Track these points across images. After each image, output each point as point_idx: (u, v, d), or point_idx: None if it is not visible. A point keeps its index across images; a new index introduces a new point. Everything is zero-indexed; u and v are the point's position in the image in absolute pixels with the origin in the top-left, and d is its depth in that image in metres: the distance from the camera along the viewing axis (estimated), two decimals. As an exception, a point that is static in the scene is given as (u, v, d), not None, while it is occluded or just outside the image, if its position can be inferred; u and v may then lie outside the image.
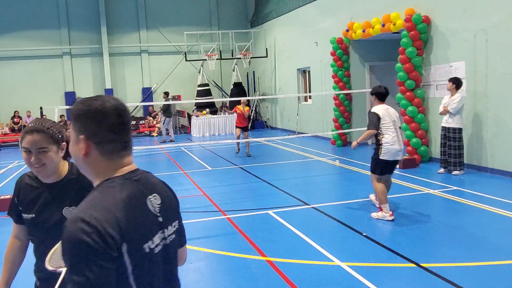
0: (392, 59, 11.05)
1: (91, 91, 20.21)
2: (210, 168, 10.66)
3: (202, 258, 4.98)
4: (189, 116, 19.77)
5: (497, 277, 4.17)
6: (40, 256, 2.20)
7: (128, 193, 1.39)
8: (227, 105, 19.99)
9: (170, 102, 15.18)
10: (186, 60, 19.46)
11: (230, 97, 19.63)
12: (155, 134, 19.32)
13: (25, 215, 2.21)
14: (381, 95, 6.25)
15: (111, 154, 1.43)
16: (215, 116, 19.01)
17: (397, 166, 6.51)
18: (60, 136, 2.15)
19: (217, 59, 19.45)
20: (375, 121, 6.05)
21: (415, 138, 9.84)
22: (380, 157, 6.04)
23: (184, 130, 20.45)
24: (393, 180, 8.33)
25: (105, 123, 1.40)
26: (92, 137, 1.40)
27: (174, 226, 1.55)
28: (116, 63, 20.54)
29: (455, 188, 7.48)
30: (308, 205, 6.89)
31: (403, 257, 4.67)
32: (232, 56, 19.81)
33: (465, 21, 8.76)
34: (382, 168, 6.11)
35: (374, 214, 6.09)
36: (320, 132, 14.55)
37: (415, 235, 5.40)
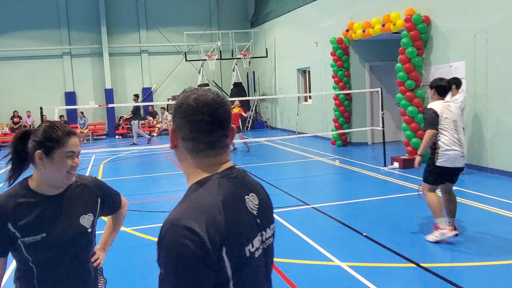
0: (392, 59, 11.05)
1: (91, 91, 20.23)
2: (210, 168, 10.65)
3: (202, 258, 4.97)
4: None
5: (497, 277, 4.17)
6: (54, 283, 1.94)
7: (227, 192, 1.30)
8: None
9: (140, 104, 15.19)
10: (186, 60, 19.46)
11: (230, 97, 19.61)
12: (155, 134, 19.31)
13: (28, 239, 1.85)
14: (442, 89, 5.23)
15: (194, 152, 1.33)
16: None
17: (462, 172, 5.49)
18: None
19: (217, 59, 19.45)
20: (433, 119, 5.05)
21: (415, 138, 9.84)
22: (437, 163, 5.09)
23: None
24: (393, 180, 8.35)
25: (191, 119, 1.31)
26: (180, 131, 1.33)
27: (272, 229, 1.45)
28: (116, 63, 20.53)
29: (455, 188, 7.44)
30: (308, 205, 6.89)
31: (403, 257, 4.67)
32: (232, 56, 19.81)
33: (465, 21, 8.76)
34: (437, 176, 5.13)
35: (430, 237, 5.04)
36: (320, 132, 14.54)
37: (415, 235, 5.40)
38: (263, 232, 1.38)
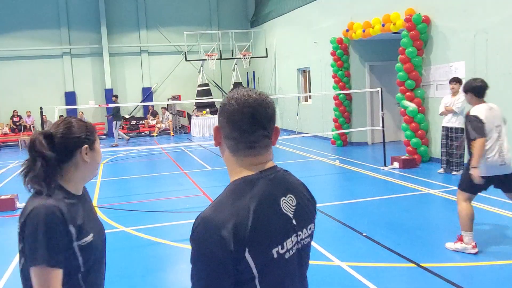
0: (392, 59, 11.05)
1: (91, 91, 20.23)
2: (210, 168, 10.66)
3: (202, 258, 4.96)
4: (189, 116, 19.77)
5: (497, 277, 4.17)
6: (98, 286, 1.90)
7: (261, 194, 1.31)
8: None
9: (119, 105, 15.19)
10: (186, 60, 19.46)
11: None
12: (155, 134, 19.33)
13: (80, 242, 1.70)
14: (479, 90, 4.77)
15: (234, 151, 1.36)
16: (215, 116, 18.99)
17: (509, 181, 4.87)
18: None
19: (217, 59, 19.45)
20: (480, 127, 4.60)
21: (415, 138, 9.84)
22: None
23: (184, 130, 20.47)
24: (393, 179, 8.35)
25: (232, 119, 1.33)
26: (222, 130, 1.38)
27: (310, 229, 1.46)
28: (116, 63, 20.53)
29: (455, 188, 7.46)
30: (308, 205, 6.88)
31: (403, 257, 4.67)
32: (232, 56, 19.80)
33: (465, 21, 8.76)
34: (474, 185, 4.68)
35: (451, 245, 4.87)
36: (320, 132, 14.54)
37: (415, 235, 5.40)
38: (299, 233, 1.39)
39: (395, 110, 12.07)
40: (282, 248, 1.32)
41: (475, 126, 4.62)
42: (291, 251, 1.35)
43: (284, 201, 1.36)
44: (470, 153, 4.73)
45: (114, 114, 16.34)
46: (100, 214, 7.01)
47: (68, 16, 19.74)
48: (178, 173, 10.35)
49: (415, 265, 4.45)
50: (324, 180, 8.97)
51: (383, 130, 9.85)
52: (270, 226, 1.30)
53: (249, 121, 1.32)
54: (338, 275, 4.34)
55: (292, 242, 1.35)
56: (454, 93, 8.34)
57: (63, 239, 1.62)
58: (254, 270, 1.25)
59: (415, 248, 4.94)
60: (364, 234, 5.43)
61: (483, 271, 4.32)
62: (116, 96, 16.92)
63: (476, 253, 4.71)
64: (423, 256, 4.67)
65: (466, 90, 4.86)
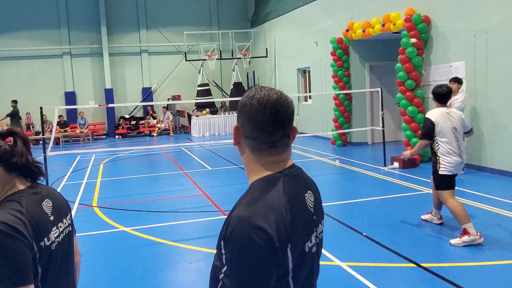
0: (392, 59, 11.05)
1: (91, 91, 20.23)
2: (210, 168, 10.66)
3: (202, 258, 4.97)
4: (189, 116, 19.77)
5: (497, 277, 4.17)
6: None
7: (290, 190, 1.35)
8: (227, 104, 19.99)
9: (17, 109, 15.33)
10: (186, 60, 19.45)
11: (230, 97, 19.63)
12: (155, 134, 19.33)
13: (42, 244, 1.62)
14: (441, 96, 5.21)
15: (256, 150, 1.37)
16: (215, 116, 19.00)
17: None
18: None
19: (217, 59, 19.45)
20: (428, 129, 5.14)
21: (415, 138, 9.83)
22: (440, 173, 5.13)
23: (184, 130, 20.47)
24: (393, 179, 8.35)
25: (253, 119, 1.34)
26: (243, 129, 1.38)
27: (323, 223, 1.51)
28: (116, 63, 20.53)
29: (455, 188, 7.47)
30: (308, 205, 6.88)
31: (403, 257, 4.67)
32: (232, 56, 19.80)
33: (465, 21, 8.76)
34: (446, 182, 5.15)
35: (457, 241, 4.97)
36: (320, 132, 14.54)
37: (415, 235, 5.40)
38: (317, 228, 1.45)
39: (395, 110, 12.07)
40: (310, 242, 1.38)
41: (424, 127, 5.23)
42: (314, 245, 1.41)
43: (307, 197, 1.41)
44: (433, 153, 5.24)
45: (11, 118, 16.69)
46: (100, 214, 7.01)
47: (68, 16, 19.74)
48: (178, 173, 10.35)
49: (415, 265, 4.45)
50: (324, 180, 8.96)
51: (383, 130, 9.85)
52: (302, 221, 1.34)
53: (270, 121, 1.34)
54: (338, 275, 4.34)
55: (315, 238, 1.41)
56: (454, 93, 8.35)
57: (24, 253, 1.54)
58: (290, 266, 1.28)
59: (415, 248, 4.94)
60: (364, 234, 5.43)
61: (483, 271, 4.32)
62: (15, 102, 17.18)
63: (441, 224, 5.48)
64: (423, 256, 4.67)
65: (433, 93, 5.38)
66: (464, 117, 5.35)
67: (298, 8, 16.16)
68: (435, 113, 5.17)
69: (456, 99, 8.28)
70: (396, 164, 9.45)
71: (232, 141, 1.42)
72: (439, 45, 9.50)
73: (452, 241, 5.00)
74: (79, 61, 20.06)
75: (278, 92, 1.39)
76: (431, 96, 5.68)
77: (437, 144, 5.16)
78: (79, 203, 7.74)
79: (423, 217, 5.83)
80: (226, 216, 1.32)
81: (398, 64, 10.08)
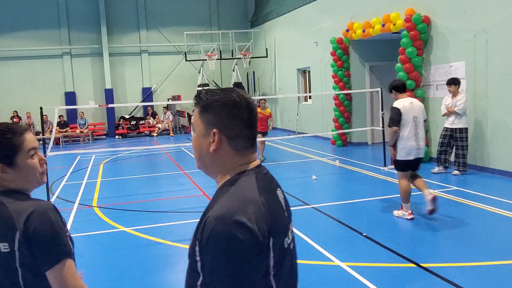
0: (392, 59, 11.05)
1: (91, 91, 20.23)
2: (210, 168, 10.64)
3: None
4: (189, 116, 19.77)
5: (497, 277, 4.17)
6: None
7: (264, 186, 1.32)
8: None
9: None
10: (186, 60, 19.45)
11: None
12: (155, 134, 19.33)
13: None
14: (399, 87, 5.95)
15: (240, 149, 1.33)
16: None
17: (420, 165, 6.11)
18: None
19: (217, 59, 19.45)
20: (395, 117, 5.75)
21: (415, 138, 9.83)
22: (398, 158, 5.86)
23: (184, 130, 20.47)
24: (393, 180, 8.35)
25: (241, 116, 1.31)
26: (226, 131, 1.31)
27: (292, 221, 1.49)
28: (116, 63, 20.53)
29: (455, 188, 7.48)
30: (308, 205, 6.89)
31: (403, 257, 4.67)
32: (232, 56, 19.80)
33: (465, 21, 8.75)
34: (404, 166, 5.90)
35: (395, 212, 6.09)
36: (320, 132, 14.54)
37: (415, 235, 5.40)
38: (290, 225, 1.43)
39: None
40: (288, 238, 1.35)
41: (392, 117, 5.79)
42: (291, 242, 1.38)
43: (278, 194, 1.39)
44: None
45: None
46: (100, 214, 7.01)
47: (68, 16, 19.74)
48: (178, 173, 10.35)
49: (415, 265, 4.45)
50: (324, 180, 8.96)
51: (383, 130, 9.85)
52: (279, 216, 1.32)
53: (252, 117, 1.35)
54: (338, 275, 4.34)
55: (291, 232, 1.39)
56: (454, 94, 8.35)
57: (65, 232, 1.63)
58: (272, 263, 1.24)
59: (415, 248, 4.94)
60: (364, 234, 5.43)
61: (483, 271, 4.32)
62: None
63: (411, 219, 5.79)
64: (423, 256, 4.67)
65: (390, 90, 6.05)
66: (424, 108, 6.06)
67: (298, 8, 16.15)
68: (401, 103, 5.82)
69: (458, 100, 8.28)
70: (396, 164, 9.44)
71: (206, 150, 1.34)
72: (439, 45, 9.50)
73: (394, 212, 6.06)
74: (79, 61, 20.06)
75: (243, 91, 1.39)
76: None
77: (399, 131, 5.76)
78: (79, 203, 7.74)
79: (395, 213, 6.12)
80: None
81: (398, 64, 10.07)
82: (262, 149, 11.11)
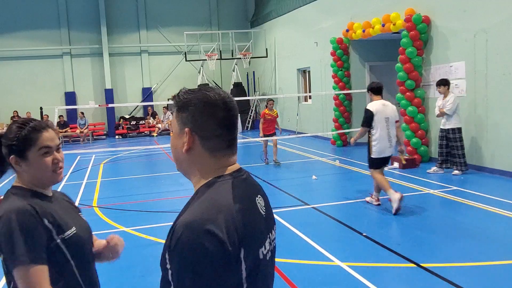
0: (392, 59, 11.05)
1: (91, 91, 20.23)
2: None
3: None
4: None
5: (497, 277, 4.17)
6: (90, 285, 1.82)
7: (241, 193, 1.25)
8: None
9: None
10: (186, 60, 19.46)
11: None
12: (155, 134, 19.33)
13: (63, 236, 1.69)
14: (376, 89, 6.48)
15: (215, 151, 1.27)
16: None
17: (391, 162, 6.92)
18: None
19: (217, 59, 19.45)
20: (367, 119, 6.32)
21: (415, 138, 9.84)
22: (372, 156, 6.42)
23: (184, 130, 20.45)
24: (393, 180, 8.36)
25: (215, 116, 1.25)
26: (197, 130, 1.26)
27: (275, 230, 1.41)
28: (116, 63, 20.54)
29: (455, 188, 7.48)
30: (308, 205, 6.89)
31: (403, 257, 4.67)
32: (232, 56, 19.80)
33: (465, 21, 8.75)
34: (376, 164, 6.47)
35: (367, 198, 6.77)
36: (320, 132, 14.54)
37: (415, 235, 5.40)
38: (270, 233, 1.35)
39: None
40: (265, 248, 1.28)
41: (365, 118, 6.34)
42: (269, 252, 1.31)
43: (258, 201, 1.32)
44: (369, 138, 6.40)
45: None
46: (100, 214, 7.01)
47: (68, 16, 19.74)
48: (178, 173, 10.31)
49: (415, 265, 4.44)
50: (324, 180, 8.96)
51: (383, 130, 9.83)
52: (255, 225, 1.25)
53: (229, 117, 1.28)
54: (338, 275, 4.34)
55: (268, 244, 1.31)
56: (445, 95, 8.36)
57: (41, 234, 1.60)
58: (244, 274, 1.18)
59: (415, 248, 4.94)
60: (364, 234, 5.43)
61: (483, 271, 4.32)
62: None
63: (378, 205, 6.48)
64: (423, 256, 4.67)
65: (367, 90, 6.69)
66: (396, 109, 6.60)
67: (298, 8, 16.15)
68: (374, 105, 6.34)
69: (447, 101, 8.29)
70: (396, 164, 9.45)
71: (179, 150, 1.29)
72: (439, 45, 9.49)
73: (366, 198, 6.76)
74: (79, 61, 20.06)
75: (223, 91, 1.33)
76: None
77: (372, 131, 6.32)
78: (79, 203, 7.74)
79: (366, 199, 6.79)
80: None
81: (398, 64, 10.07)
82: (275, 152, 10.71)
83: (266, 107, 10.65)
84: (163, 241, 4.45)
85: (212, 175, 1.28)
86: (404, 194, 6.27)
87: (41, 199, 1.72)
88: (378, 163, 6.42)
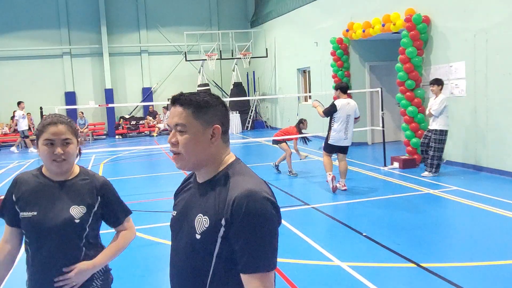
0: (392, 59, 11.05)
1: (91, 91, 20.23)
2: (210, 168, 10.63)
3: (202, 258, 4.96)
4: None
5: (497, 277, 4.17)
6: (38, 265, 2.00)
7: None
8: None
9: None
10: (186, 60, 19.46)
11: (230, 97, 19.62)
12: (155, 134, 19.33)
13: (24, 213, 2.00)
14: (344, 88, 7.61)
15: (227, 141, 1.56)
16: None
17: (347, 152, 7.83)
18: (77, 130, 2.13)
19: (217, 59, 19.45)
20: (329, 110, 7.51)
21: (415, 138, 9.83)
22: (328, 142, 7.59)
23: (184, 130, 20.45)
24: (393, 180, 8.37)
25: (226, 114, 1.54)
26: (222, 126, 1.52)
27: None
28: (116, 63, 20.54)
29: (455, 188, 7.48)
30: (308, 205, 6.89)
31: (403, 257, 4.67)
32: (232, 56, 19.81)
33: (465, 21, 8.75)
34: (330, 149, 7.65)
35: (327, 180, 7.67)
36: (320, 132, 14.52)
37: (415, 235, 5.40)
38: None
39: (395, 110, 12.06)
40: None
41: (329, 109, 7.53)
42: None
43: None
44: (329, 127, 7.59)
45: None
46: (100, 214, 6.99)
47: (68, 16, 19.74)
48: (178, 173, 10.34)
49: (415, 265, 4.45)
50: (324, 180, 8.95)
51: (383, 130, 9.85)
52: None
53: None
54: (338, 275, 4.34)
55: None
56: (437, 95, 8.32)
57: (9, 200, 2.06)
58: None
59: (415, 248, 4.94)
60: (364, 234, 5.43)
61: (483, 271, 4.32)
62: None
63: (333, 189, 7.44)
64: (423, 256, 4.67)
65: (336, 88, 7.75)
66: (357, 107, 7.66)
67: (298, 8, 16.15)
68: (340, 102, 7.47)
69: (435, 102, 8.25)
70: (396, 164, 9.45)
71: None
72: (439, 45, 9.49)
73: (327, 180, 7.62)
74: (79, 61, 20.06)
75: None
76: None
77: (333, 122, 7.46)
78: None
79: (337, 185, 7.58)
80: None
81: (398, 64, 10.07)
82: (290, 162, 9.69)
83: (302, 123, 10.22)
84: (163, 241, 4.45)
85: (227, 160, 1.53)
86: (403, 194, 6.26)
87: (39, 179, 2.07)
88: (330, 149, 7.63)
